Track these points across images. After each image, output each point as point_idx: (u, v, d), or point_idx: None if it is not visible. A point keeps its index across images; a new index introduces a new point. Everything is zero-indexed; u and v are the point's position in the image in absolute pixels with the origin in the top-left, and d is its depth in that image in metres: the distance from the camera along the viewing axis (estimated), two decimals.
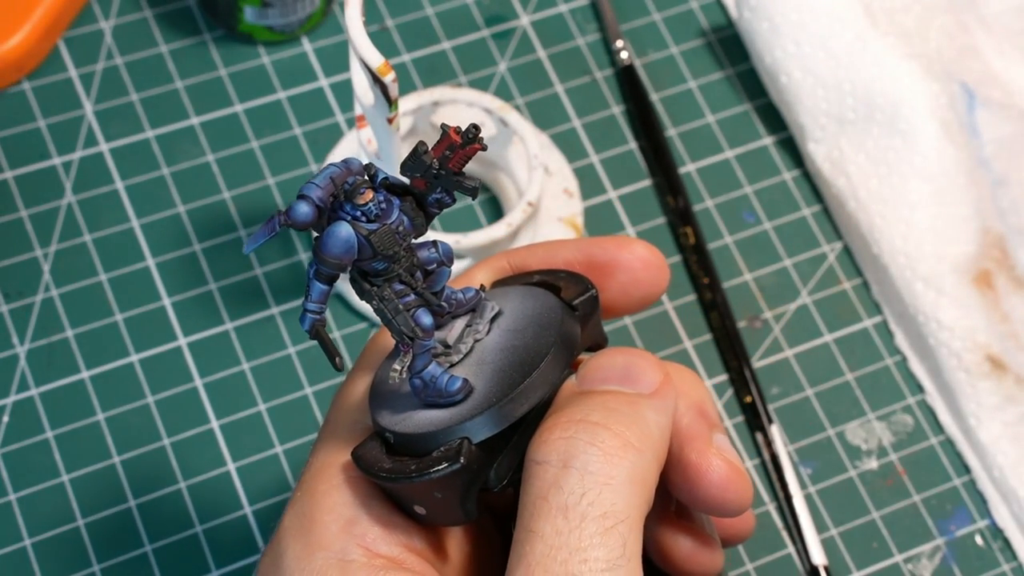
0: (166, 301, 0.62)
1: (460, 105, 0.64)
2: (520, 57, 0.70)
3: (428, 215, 0.39)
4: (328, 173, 0.37)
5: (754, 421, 0.62)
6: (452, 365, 0.41)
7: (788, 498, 0.60)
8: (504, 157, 0.64)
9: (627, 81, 0.69)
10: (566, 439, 0.39)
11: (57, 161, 0.65)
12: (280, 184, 0.65)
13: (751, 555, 0.60)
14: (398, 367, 0.40)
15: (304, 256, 0.64)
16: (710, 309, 0.64)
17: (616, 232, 0.66)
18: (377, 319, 0.40)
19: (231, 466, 0.59)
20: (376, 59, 0.50)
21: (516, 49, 0.70)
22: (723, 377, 0.63)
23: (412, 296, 0.39)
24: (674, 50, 0.71)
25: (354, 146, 0.65)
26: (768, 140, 0.69)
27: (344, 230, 0.37)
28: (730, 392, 0.63)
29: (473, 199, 0.39)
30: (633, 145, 0.68)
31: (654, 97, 0.69)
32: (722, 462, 0.43)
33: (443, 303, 0.40)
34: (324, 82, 0.68)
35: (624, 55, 0.69)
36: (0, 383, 0.60)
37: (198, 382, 0.61)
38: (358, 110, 0.57)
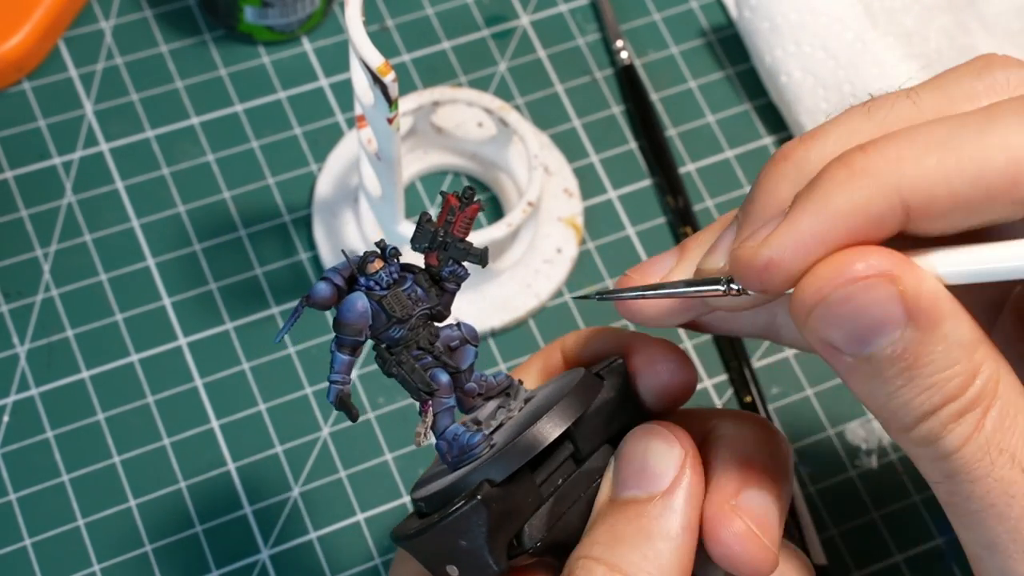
0: (166, 301, 0.62)
1: (460, 105, 0.64)
2: (520, 57, 0.70)
3: (446, 291, 0.42)
4: (347, 261, 0.41)
5: None
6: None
7: None
8: (504, 157, 0.64)
9: (627, 81, 0.69)
10: None
11: (57, 161, 0.65)
12: (280, 184, 0.65)
13: None
14: (420, 429, 0.42)
15: (304, 255, 0.64)
16: None
17: (616, 232, 0.66)
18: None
19: (231, 466, 0.59)
20: (376, 59, 0.50)
21: (516, 49, 0.70)
22: (723, 377, 0.63)
23: (429, 359, 0.41)
24: (674, 50, 0.71)
25: (354, 146, 0.65)
26: (768, 140, 0.69)
27: (357, 297, 0.40)
28: (730, 392, 0.63)
29: (483, 266, 0.42)
30: (633, 145, 0.68)
31: (654, 97, 0.69)
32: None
33: (473, 383, 0.43)
34: (324, 82, 0.68)
35: (624, 55, 0.69)
36: (0, 383, 0.60)
37: (198, 382, 0.61)
38: (358, 110, 0.57)
